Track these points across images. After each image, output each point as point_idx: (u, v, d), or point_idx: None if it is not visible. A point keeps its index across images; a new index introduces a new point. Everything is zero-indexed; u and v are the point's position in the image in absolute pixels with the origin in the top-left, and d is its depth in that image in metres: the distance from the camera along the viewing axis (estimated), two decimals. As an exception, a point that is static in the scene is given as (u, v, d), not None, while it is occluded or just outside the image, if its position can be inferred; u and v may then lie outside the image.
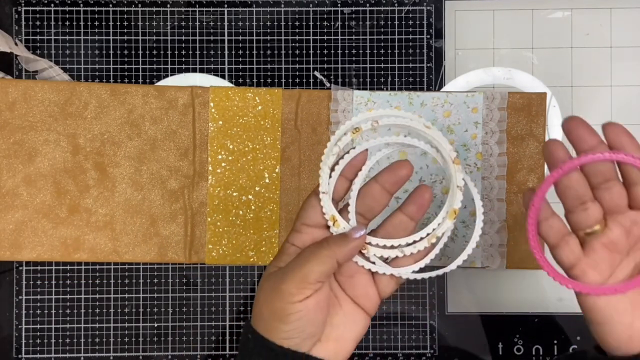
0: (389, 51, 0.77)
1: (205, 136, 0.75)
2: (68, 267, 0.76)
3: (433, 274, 0.56)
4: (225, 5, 0.77)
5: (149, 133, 0.75)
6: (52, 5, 0.77)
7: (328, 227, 0.55)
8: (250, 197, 0.75)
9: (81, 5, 0.77)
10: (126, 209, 0.75)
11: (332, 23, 0.77)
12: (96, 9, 0.77)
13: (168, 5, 0.77)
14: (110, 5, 0.77)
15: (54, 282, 0.76)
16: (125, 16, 0.77)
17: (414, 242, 0.55)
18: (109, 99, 0.75)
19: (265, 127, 0.75)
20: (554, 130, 0.76)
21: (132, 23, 0.77)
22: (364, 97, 0.75)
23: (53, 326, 0.76)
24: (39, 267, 0.76)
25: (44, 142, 0.75)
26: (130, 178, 0.75)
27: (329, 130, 0.75)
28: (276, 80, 0.77)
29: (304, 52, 0.77)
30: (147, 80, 0.77)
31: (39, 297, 0.76)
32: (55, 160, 0.75)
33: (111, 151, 0.75)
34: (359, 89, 0.77)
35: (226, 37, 0.77)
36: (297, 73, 0.77)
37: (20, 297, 0.76)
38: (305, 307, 0.51)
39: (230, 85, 0.77)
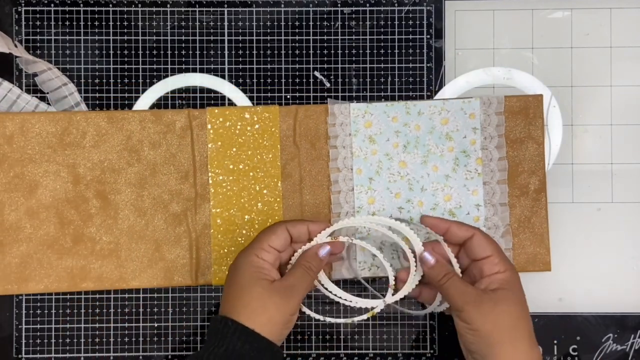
0: (389, 51, 0.77)
1: (205, 158, 0.75)
2: (68, 267, 0.77)
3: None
4: (225, 5, 0.77)
5: (149, 158, 0.75)
6: (52, 5, 0.77)
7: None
8: (253, 215, 0.75)
9: (81, 5, 0.77)
10: (130, 235, 0.75)
11: (332, 23, 0.77)
12: (96, 9, 0.77)
13: (168, 5, 0.77)
14: (110, 5, 0.77)
15: (54, 282, 0.77)
16: (125, 16, 0.77)
17: None
18: (107, 127, 0.75)
19: (264, 145, 0.75)
20: (554, 130, 0.76)
21: (132, 23, 0.77)
22: (361, 110, 0.75)
23: (53, 326, 0.76)
24: (39, 267, 0.77)
25: (44, 173, 0.75)
26: (133, 204, 0.75)
27: (328, 144, 0.75)
28: (276, 80, 0.77)
29: (304, 52, 0.77)
30: (147, 80, 0.77)
31: (39, 297, 0.76)
32: (57, 191, 0.75)
33: (112, 178, 0.75)
34: (358, 96, 0.77)
35: (226, 37, 0.77)
36: (297, 73, 0.77)
37: (20, 297, 0.76)
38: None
39: (230, 84, 0.77)
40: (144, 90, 0.77)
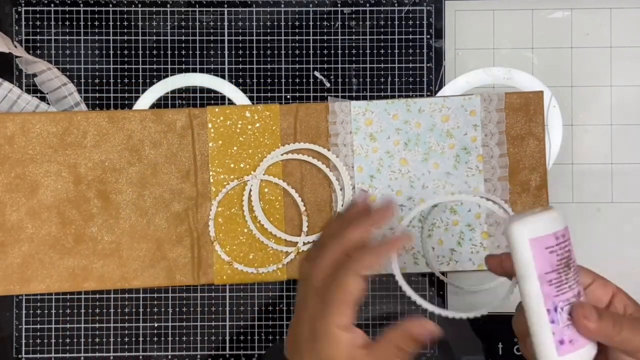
0: (389, 51, 0.77)
1: (206, 157, 0.75)
2: (68, 267, 0.77)
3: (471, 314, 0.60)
4: (225, 5, 0.77)
5: (150, 157, 0.75)
6: (52, 5, 0.77)
7: None
8: (254, 214, 0.75)
9: (81, 5, 0.77)
10: (132, 235, 0.75)
11: (332, 23, 0.77)
12: (96, 9, 0.77)
13: (168, 5, 0.77)
14: (110, 5, 0.77)
15: (54, 282, 0.77)
16: (125, 16, 0.77)
17: None
18: (108, 126, 0.75)
19: (265, 143, 0.75)
20: (554, 130, 0.76)
21: (132, 23, 0.77)
22: (362, 108, 0.75)
23: (53, 326, 0.76)
24: (39, 267, 0.76)
25: (45, 173, 0.75)
26: (134, 204, 0.75)
27: (329, 142, 0.75)
28: (276, 80, 0.77)
29: (304, 52, 0.77)
30: (147, 80, 0.77)
31: (39, 297, 0.76)
32: (58, 191, 0.75)
33: (113, 178, 0.75)
34: (358, 96, 0.77)
35: (226, 37, 0.77)
36: (297, 73, 0.77)
37: (20, 297, 0.76)
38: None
39: (230, 84, 0.77)
40: (144, 90, 0.77)
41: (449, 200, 0.66)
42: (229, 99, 0.77)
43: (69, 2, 0.77)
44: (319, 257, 0.55)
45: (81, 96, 0.77)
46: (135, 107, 0.77)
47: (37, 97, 0.76)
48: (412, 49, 0.77)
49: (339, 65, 0.77)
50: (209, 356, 0.77)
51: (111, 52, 0.77)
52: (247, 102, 0.77)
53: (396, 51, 0.77)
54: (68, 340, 0.76)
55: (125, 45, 0.77)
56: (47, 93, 0.76)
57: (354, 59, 0.77)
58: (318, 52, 0.77)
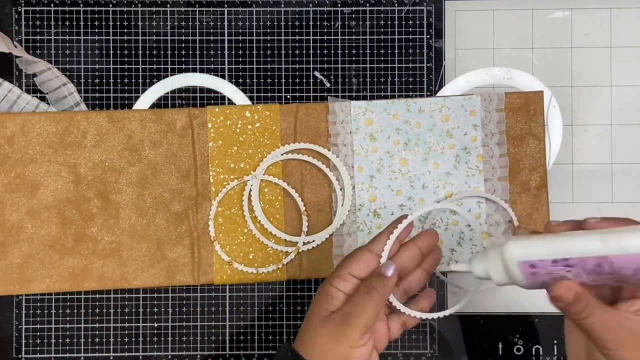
0: (389, 51, 0.77)
1: (206, 157, 0.75)
2: (68, 267, 0.76)
3: (440, 314, 0.66)
4: (225, 5, 0.77)
5: (150, 157, 0.75)
6: (52, 5, 0.77)
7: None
8: (254, 214, 0.75)
9: (81, 5, 0.77)
10: (132, 235, 0.75)
11: (332, 23, 0.77)
12: (96, 9, 0.77)
13: (168, 5, 0.77)
14: (110, 5, 0.77)
15: (54, 282, 0.76)
16: (125, 16, 0.77)
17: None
18: (107, 126, 0.75)
19: (265, 143, 0.75)
20: (554, 130, 0.76)
21: (132, 23, 0.77)
22: (362, 107, 0.75)
23: (53, 326, 0.76)
24: (39, 267, 0.76)
25: (45, 173, 0.75)
26: (134, 204, 0.75)
27: (329, 142, 0.75)
28: (276, 80, 0.77)
29: (304, 52, 0.77)
30: (147, 80, 0.77)
31: (39, 297, 0.76)
32: (58, 191, 0.75)
33: (113, 178, 0.75)
34: (358, 96, 0.77)
35: (226, 37, 0.77)
36: (297, 73, 0.77)
37: (20, 297, 0.76)
38: (367, 351, 0.59)
39: (230, 84, 0.77)
40: (144, 90, 0.77)
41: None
42: (229, 99, 0.77)
43: (69, 2, 0.77)
44: None
45: (81, 96, 0.77)
46: (135, 107, 0.77)
47: (37, 97, 0.76)
48: (412, 49, 0.77)
49: (339, 65, 0.77)
50: (209, 356, 0.77)
51: (111, 52, 0.77)
52: (247, 102, 0.77)
53: (396, 51, 0.77)
54: (68, 340, 0.76)
55: (125, 45, 0.77)
56: (47, 93, 0.76)
57: (354, 59, 0.77)
58: (318, 52, 0.77)
